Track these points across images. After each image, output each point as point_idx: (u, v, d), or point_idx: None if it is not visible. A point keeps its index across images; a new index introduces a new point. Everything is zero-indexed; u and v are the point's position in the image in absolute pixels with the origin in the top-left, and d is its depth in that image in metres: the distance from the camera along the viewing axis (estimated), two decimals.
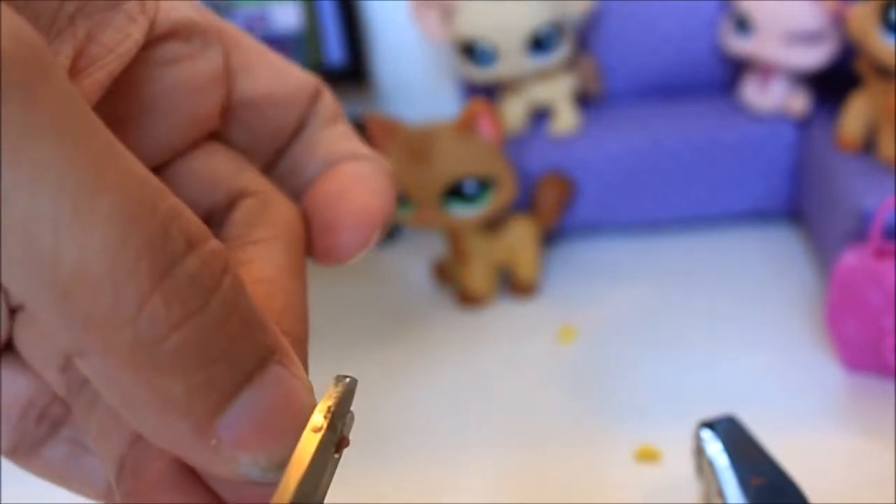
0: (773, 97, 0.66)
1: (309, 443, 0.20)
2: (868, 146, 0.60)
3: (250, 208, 0.24)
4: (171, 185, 0.17)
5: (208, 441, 0.18)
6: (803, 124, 0.66)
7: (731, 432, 0.40)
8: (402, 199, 0.62)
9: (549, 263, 0.70)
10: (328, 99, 0.27)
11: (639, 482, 0.47)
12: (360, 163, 0.26)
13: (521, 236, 0.66)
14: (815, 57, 0.63)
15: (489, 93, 0.73)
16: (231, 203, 0.24)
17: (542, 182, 0.68)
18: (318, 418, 0.20)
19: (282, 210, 0.24)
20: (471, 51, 0.67)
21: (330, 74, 0.77)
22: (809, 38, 0.62)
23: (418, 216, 0.62)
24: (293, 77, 0.26)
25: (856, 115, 0.60)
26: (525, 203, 0.68)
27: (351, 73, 0.77)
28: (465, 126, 0.61)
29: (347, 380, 0.22)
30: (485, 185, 0.61)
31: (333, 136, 0.26)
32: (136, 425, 0.18)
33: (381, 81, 0.82)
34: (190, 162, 0.24)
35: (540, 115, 0.72)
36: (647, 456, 0.49)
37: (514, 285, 0.66)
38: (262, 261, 0.23)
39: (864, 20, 0.56)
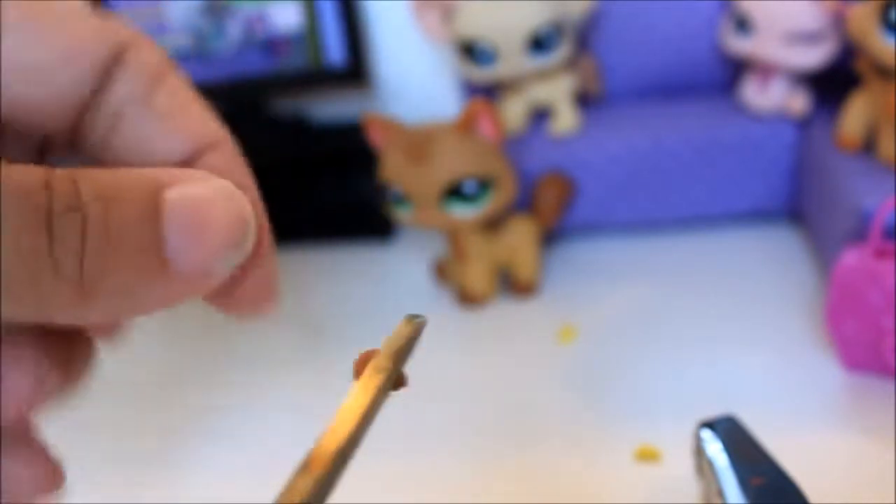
0: (773, 97, 0.66)
1: (371, 383, 0.21)
2: (868, 146, 0.60)
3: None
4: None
5: (181, 278, 0.20)
6: (803, 124, 0.67)
7: (731, 432, 0.40)
8: (402, 199, 0.62)
9: (549, 263, 0.70)
10: (146, 52, 0.24)
11: (639, 482, 0.47)
12: (219, 156, 0.25)
13: (521, 236, 0.66)
14: (814, 57, 0.63)
15: (489, 93, 0.73)
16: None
17: (542, 182, 0.68)
18: (385, 360, 0.21)
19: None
20: (471, 51, 0.67)
21: (330, 74, 0.77)
22: (809, 38, 0.62)
23: (418, 216, 0.62)
24: (80, 29, 0.24)
25: (856, 115, 0.60)
26: (525, 203, 0.68)
27: (351, 73, 0.77)
28: (466, 126, 0.61)
29: (417, 320, 0.22)
30: (485, 185, 0.61)
31: (175, 103, 0.24)
32: (123, 320, 0.21)
33: (381, 81, 0.82)
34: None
35: (540, 115, 0.73)
36: (647, 456, 0.49)
37: (515, 285, 0.67)
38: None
39: (864, 20, 0.56)
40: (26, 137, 0.24)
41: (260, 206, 0.24)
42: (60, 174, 0.19)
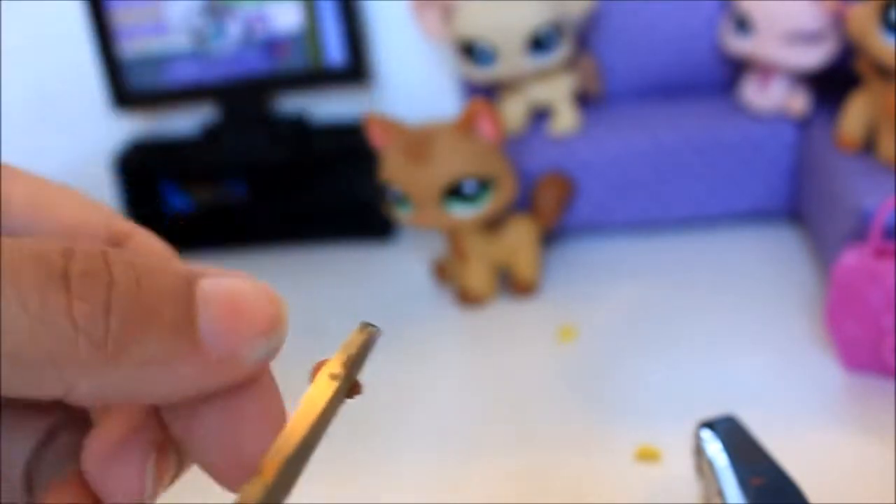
0: (773, 97, 0.66)
1: (325, 388, 0.21)
2: (868, 146, 0.60)
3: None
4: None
5: (211, 359, 0.20)
6: (803, 124, 0.67)
7: (731, 432, 0.40)
8: (402, 199, 0.62)
9: (549, 263, 0.70)
10: (146, 240, 0.26)
11: (639, 482, 0.47)
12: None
13: (521, 236, 0.66)
14: (814, 57, 0.63)
15: (489, 93, 0.73)
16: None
17: (542, 182, 0.68)
18: (337, 366, 0.21)
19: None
20: (471, 51, 0.67)
21: (330, 74, 0.77)
22: (809, 38, 0.62)
23: (418, 216, 0.62)
24: (91, 211, 0.25)
25: (856, 115, 0.60)
26: (525, 203, 0.68)
27: (351, 73, 0.77)
28: (465, 126, 0.61)
29: (370, 328, 0.22)
30: (485, 185, 0.61)
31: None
32: (154, 400, 0.20)
33: (381, 81, 0.82)
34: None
35: (540, 115, 0.73)
36: (647, 456, 0.49)
37: (514, 285, 0.67)
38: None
39: (864, 20, 0.56)
40: None
41: None
42: (86, 247, 0.19)
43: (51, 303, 0.18)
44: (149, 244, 0.25)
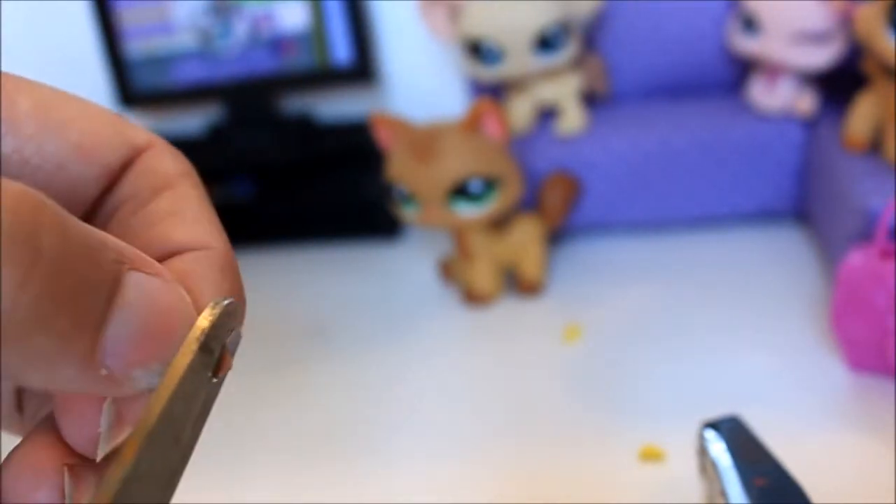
0: (781, 97, 0.66)
1: (179, 365, 0.20)
2: (875, 146, 0.60)
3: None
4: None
5: (99, 373, 0.18)
6: (810, 124, 0.66)
7: (735, 432, 0.40)
8: (408, 198, 0.62)
9: (555, 263, 0.70)
10: (159, 159, 0.23)
11: (642, 482, 0.47)
12: (196, 260, 0.23)
13: (526, 235, 0.66)
14: (822, 57, 0.63)
15: (496, 92, 0.73)
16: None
17: (548, 181, 0.68)
18: (190, 344, 0.20)
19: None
20: (477, 50, 0.67)
21: (336, 73, 0.77)
22: (816, 38, 0.62)
23: (424, 215, 0.62)
24: (103, 128, 0.23)
25: (862, 115, 0.60)
26: (531, 202, 0.68)
27: (357, 72, 0.77)
28: (472, 125, 0.61)
29: (226, 302, 0.21)
30: (491, 184, 0.61)
31: (171, 211, 0.23)
32: (31, 385, 0.19)
33: (387, 80, 0.82)
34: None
35: (546, 115, 0.73)
36: (651, 456, 0.49)
37: (520, 284, 0.67)
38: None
39: (871, 20, 0.55)
40: None
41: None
42: (23, 203, 0.17)
43: None
44: (158, 167, 0.23)
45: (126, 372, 0.19)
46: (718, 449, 0.40)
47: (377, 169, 0.66)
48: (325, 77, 0.78)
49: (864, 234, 0.54)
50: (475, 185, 0.61)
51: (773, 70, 0.66)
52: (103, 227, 0.22)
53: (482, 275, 0.65)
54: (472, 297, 0.66)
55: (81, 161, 0.22)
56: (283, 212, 0.78)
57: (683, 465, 0.46)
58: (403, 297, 0.69)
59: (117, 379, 0.19)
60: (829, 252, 0.62)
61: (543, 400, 0.55)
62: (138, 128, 0.23)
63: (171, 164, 0.23)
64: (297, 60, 0.77)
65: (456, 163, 0.60)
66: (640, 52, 0.73)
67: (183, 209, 0.23)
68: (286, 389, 0.60)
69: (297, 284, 0.73)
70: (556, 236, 0.72)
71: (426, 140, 0.61)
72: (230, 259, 0.23)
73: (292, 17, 0.76)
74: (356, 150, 0.75)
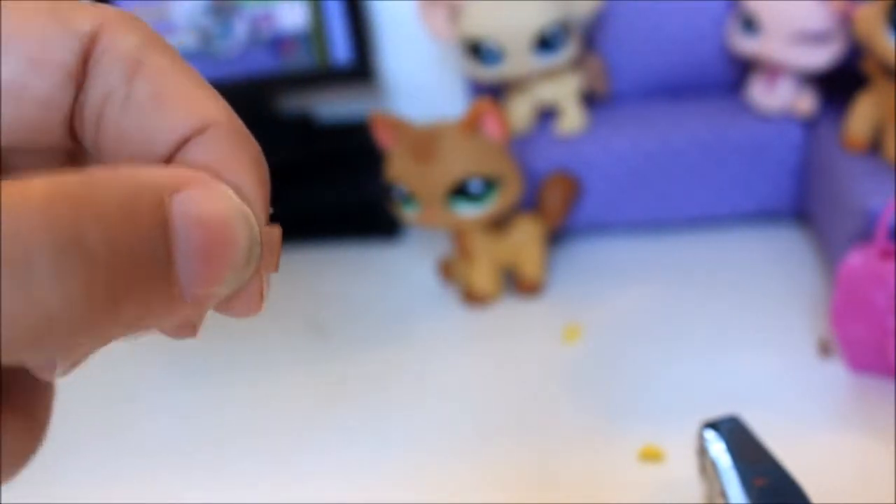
0: (780, 97, 0.66)
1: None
2: (875, 146, 0.60)
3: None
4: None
5: (185, 306, 0.19)
6: (810, 124, 0.66)
7: (735, 433, 0.40)
8: (408, 198, 0.62)
9: (555, 263, 0.70)
10: (119, 38, 0.22)
11: (642, 482, 0.47)
12: (213, 141, 0.22)
13: (526, 235, 0.66)
14: (821, 57, 0.63)
15: (495, 92, 0.73)
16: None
17: (548, 181, 0.68)
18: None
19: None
20: (477, 50, 0.67)
21: (336, 74, 0.77)
22: (816, 38, 0.62)
23: (424, 215, 0.62)
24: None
25: (862, 115, 0.60)
26: (531, 202, 0.68)
27: (357, 72, 0.77)
28: (471, 125, 0.61)
29: None
30: (490, 184, 0.61)
31: (156, 90, 0.22)
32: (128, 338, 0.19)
33: (387, 80, 0.82)
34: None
35: (546, 115, 0.73)
36: (651, 455, 0.49)
37: (520, 284, 0.67)
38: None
39: (871, 20, 0.55)
40: (43, 152, 0.23)
41: (263, 196, 0.22)
42: (58, 207, 0.17)
43: (35, 284, 0.16)
44: (119, 50, 0.22)
45: (207, 292, 0.19)
46: (718, 449, 0.40)
47: (377, 169, 0.66)
48: (325, 77, 0.78)
49: (864, 234, 0.54)
50: (475, 186, 0.61)
51: (773, 70, 0.66)
52: (96, 136, 0.22)
53: (482, 275, 0.65)
54: (472, 298, 0.66)
55: (39, 74, 0.21)
56: (283, 212, 0.78)
57: (683, 465, 0.46)
58: (403, 297, 0.69)
59: (203, 301, 0.19)
60: (829, 252, 0.62)
61: (543, 400, 0.55)
62: (81, 8, 0.22)
63: (131, 39, 0.22)
64: (297, 60, 0.77)
65: (456, 163, 0.60)
66: (640, 52, 0.73)
67: (165, 89, 0.22)
68: (286, 388, 0.60)
69: (297, 284, 0.73)
70: (556, 236, 0.72)
71: (426, 140, 0.61)
72: (236, 124, 0.22)
73: (292, 17, 0.76)
74: (356, 150, 0.75)
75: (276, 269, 0.22)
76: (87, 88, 0.22)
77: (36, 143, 0.22)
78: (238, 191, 0.21)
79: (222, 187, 0.20)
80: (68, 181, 0.17)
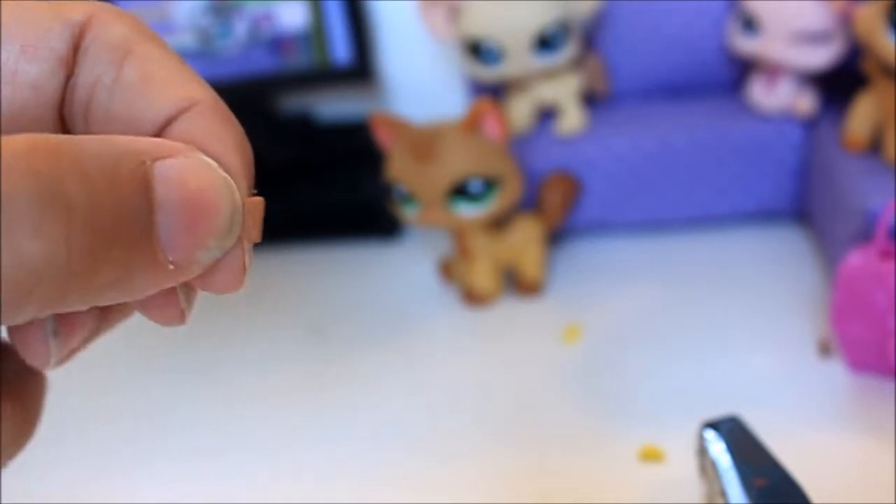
0: (780, 97, 0.66)
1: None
2: (874, 146, 0.60)
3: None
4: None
5: (167, 271, 0.19)
6: (810, 124, 0.66)
7: (735, 433, 0.40)
8: (408, 198, 0.62)
9: (555, 263, 0.70)
10: (109, 27, 0.23)
11: (642, 482, 0.47)
12: (196, 118, 0.23)
13: (526, 235, 0.66)
14: (821, 57, 0.63)
15: (495, 92, 0.73)
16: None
17: (547, 181, 0.68)
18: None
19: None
20: (477, 50, 0.67)
21: (336, 73, 0.77)
22: (816, 38, 0.62)
23: (424, 215, 0.62)
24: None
25: (862, 115, 0.60)
26: (531, 202, 0.68)
27: (357, 72, 0.77)
28: (471, 125, 0.61)
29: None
30: (490, 184, 0.61)
31: (143, 75, 0.22)
32: (111, 303, 0.20)
33: (387, 80, 0.82)
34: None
35: (546, 115, 0.73)
36: (651, 455, 0.49)
37: (520, 284, 0.67)
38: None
39: (871, 20, 0.55)
40: None
41: (246, 170, 0.23)
42: (40, 159, 0.17)
43: (15, 234, 0.17)
44: (109, 38, 0.22)
45: (189, 258, 0.20)
46: (718, 449, 0.40)
47: (377, 169, 0.66)
48: (325, 77, 0.78)
49: (864, 234, 0.54)
50: (475, 185, 0.61)
51: (773, 70, 0.66)
52: (86, 121, 0.22)
53: (482, 275, 0.65)
54: (472, 298, 0.66)
55: (31, 60, 0.22)
56: (282, 212, 0.78)
57: (683, 465, 0.46)
58: (403, 297, 0.69)
59: (184, 267, 0.20)
60: (829, 252, 0.62)
61: (543, 400, 0.55)
62: (73, 1, 0.23)
63: (120, 29, 0.23)
64: (297, 60, 0.77)
65: (455, 163, 0.60)
66: (640, 52, 0.73)
67: (152, 73, 0.22)
68: (286, 389, 0.60)
69: (297, 284, 0.73)
70: (556, 236, 0.72)
71: (426, 140, 0.61)
72: (220, 105, 0.23)
73: (292, 16, 0.76)
74: (355, 150, 0.75)
75: (259, 238, 0.22)
76: (77, 75, 0.22)
77: (27, 128, 0.22)
78: (221, 163, 0.21)
79: (205, 157, 0.20)
80: (51, 137, 0.18)
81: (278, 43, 0.77)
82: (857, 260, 0.51)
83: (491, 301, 0.66)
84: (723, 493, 0.38)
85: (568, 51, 0.68)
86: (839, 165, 0.60)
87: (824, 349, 0.55)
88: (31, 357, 0.21)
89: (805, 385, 0.53)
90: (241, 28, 0.76)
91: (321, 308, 0.69)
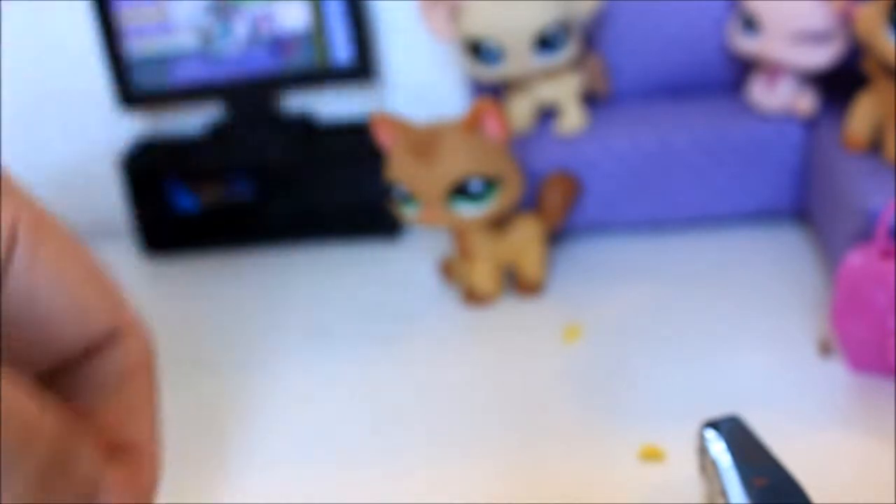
0: (781, 97, 0.66)
1: None
2: (875, 146, 0.60)
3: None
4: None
5: None
6: (810, 124, 0.66)
7: (735, 432, 0.40)
8: (408, 198, 0.62)
9: (555, 262, 0.70)
10: (132, 345, 0.24)
11: (642, 481, 0.47)
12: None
13: (527, 235, 0.66)
14: (822, 57, 0.63)
15: (496, 92, 0.73)
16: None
17: (548, 181, 0.68)
18: None
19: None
20: (477, 50, 0.67)
21: (336, 73, 0.77)
22: (816, 37, 0.62)
23: (424, 215, 0.62)
24: (93, 299, 0.24)
25: (862, 115, 0.60)
26: (531, 202, 0.68)
27: (358, 71, 0.77)
28: (472, 125, 0.61)
29: None
30: (491, 184, 0.61)
31: (122, 409, 0.24)
32: None
33: (387, 80, 0.82)
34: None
35: (546, 115, 0.72)
36: (651, 455, 0.49)
37: (520, 284, 0.67)
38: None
39: (872, 20, 0.55)
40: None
41: None
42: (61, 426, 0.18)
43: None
44: (130, 355, 0.24)
45: None
46: (718, 448, 0.40)
47: (377, 169, 0.65)
48: (326, 77, 0.78)
49: (864, 234, 0.54)
50: (475, 185, 0.61)
51: (773, 70, 0.66)
52: (74, 390, 0.23)
53: (482, 274, 0.65)
54: (473, 297, 0.66)
55: (76, 323, 0.22)
56: (283, 211, 0.78)
57: (684, 464, 0.46)
58: (403, 296, 0.69)
59: None
60: (829, 252, 0.62)
61: (543, 399, 0.55)
62: (126, 304, 0.24)
63: (138, 354, 0.24)
64: (298, 60, 0.77)
65: (456, 162, 0.60)
66: (640, 52, 0.73)
67: (137, 408, 0.24)
68: (286, 389, 0.60)
69: (298, 284, 0.73)
70: (557, 236, 0.72)
71: (426, 140, 0.61)
72: (152, 457, 0.24)
73: (292, 16, 0.76)
74: (356, 149, 0.75)
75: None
76: (93, 361, 0.23)
77: (19, 363, 0.23)
78: None
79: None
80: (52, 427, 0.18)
81: (279, 43, 0.77)
82: (857, 260, 0.51)
83: (491, 301, 0.66)
84: (723, 493, 0.38)
85: (568, 51, 0.68)
86: (839, 165, 0.60)
87: (824, 349, 0.55)
88: None
89: (805, 385, 0.53)
90: (241, 28, 0.76)
91: (321, 308, 0.69)
